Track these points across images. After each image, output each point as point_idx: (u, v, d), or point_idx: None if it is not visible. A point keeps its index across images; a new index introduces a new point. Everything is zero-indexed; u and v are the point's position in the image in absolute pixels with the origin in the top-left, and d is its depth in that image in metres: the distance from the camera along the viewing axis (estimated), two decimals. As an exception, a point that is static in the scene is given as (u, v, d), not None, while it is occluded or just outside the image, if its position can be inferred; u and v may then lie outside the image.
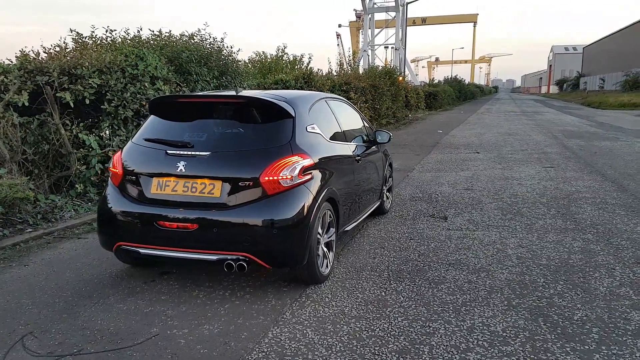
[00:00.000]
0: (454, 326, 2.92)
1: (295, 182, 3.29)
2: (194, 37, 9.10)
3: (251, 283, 3.65)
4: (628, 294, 3.32)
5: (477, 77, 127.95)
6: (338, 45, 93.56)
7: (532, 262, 3.99)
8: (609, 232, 4.72)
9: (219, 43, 9.44)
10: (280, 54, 16.25)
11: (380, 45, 67.03)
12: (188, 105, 3.88)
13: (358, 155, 4.54)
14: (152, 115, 3.84)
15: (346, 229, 4.27)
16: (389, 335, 2.83)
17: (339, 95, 16.03)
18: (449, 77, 59.66)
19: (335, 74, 19.90)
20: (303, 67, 16.17)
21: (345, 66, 21.57)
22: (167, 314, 3.15)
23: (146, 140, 3.57)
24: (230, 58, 9.68)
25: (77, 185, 5.96)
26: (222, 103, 3.84)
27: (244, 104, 3.79)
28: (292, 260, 3.35)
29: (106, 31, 8.05)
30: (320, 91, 14.02)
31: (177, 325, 2.99)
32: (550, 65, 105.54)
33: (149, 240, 3.34)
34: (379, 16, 64.54)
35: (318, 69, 17.20)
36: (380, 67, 26.11)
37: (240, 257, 3.17)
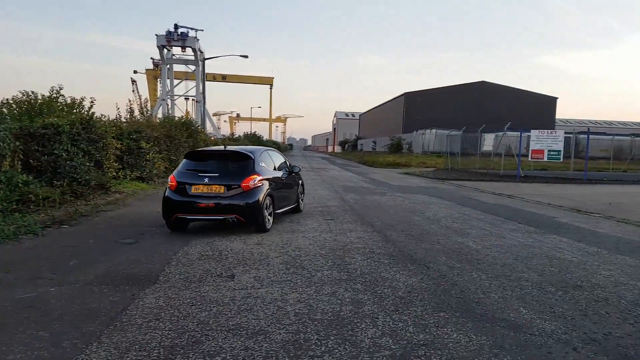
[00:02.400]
0: (225, 406, 2.65)
1: (255, 186, 7.59)
2: None
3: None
4: (388, 343, 3.59)
5: (274, 134, 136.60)
6: (133, 91, 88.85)
7: (308, 317, 4.06)
8: (374, 281, 5.20)
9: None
10: (55, 95, 14.17)
11: (181, 96, 66.28)
12: (204, 153, 8.43)
13: (283, 178, 9.08)
14: (185, 159, 8.12)
15: (278, 212, 8.61)
16: None
17: (129, 142, 14.96)
18: (249, 132, 62.22)
19: (124, 120, 18.49)
20: (84, 111, 14.46)
21: (136, 114, 20.33)
22: None
23: (186, 170, 7.75)
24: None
25: None
26: (221, 152, 8.32)
27: (231, 153, 8.26)
28: (254, 220, 7.56)
29: None
30: (103, 138, 12.86)
31: None
32: (335, 128, 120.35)
33: (191, 212, 7.37)
34: (178, 67, 64.07)
35: (102, 115, 15.64)
36: (177, 118, 25.48)
37: (234, 218, 7.38)
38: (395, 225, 8.97)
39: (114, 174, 13.82)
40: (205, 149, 9.19)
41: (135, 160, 15.59)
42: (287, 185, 9.29)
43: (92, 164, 12.01)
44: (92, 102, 14.85)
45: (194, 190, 7.39)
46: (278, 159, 9.47)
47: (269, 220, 7.96)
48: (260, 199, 7.58)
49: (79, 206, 9.94)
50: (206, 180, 7.39)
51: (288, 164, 9.90)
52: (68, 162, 10.88)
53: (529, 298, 4.71)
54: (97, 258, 6.08)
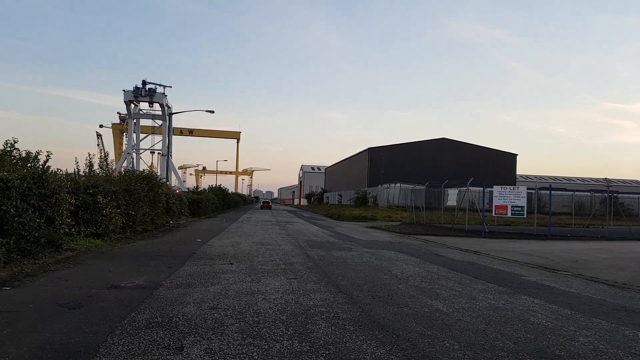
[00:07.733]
0: None
1: (271, 204, 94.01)
2: None
3: None
4: None
5: (241, 187, 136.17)
6: (98, 145, 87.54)
7: (264, 402, 3.56)
8: (339, 353, 4.72)
9: None
10: (9, 148, 13.48)
11: (147, 149, 65.58)
12: (264, 202, 75.33)
13: (271, 201, 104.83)
14: (261, 202, 79.23)
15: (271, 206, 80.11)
16: None
17: (85, 197, 14.33)
18: (214, 185, 61.55)
19: (83, 174, 17.84)
20: (39, 165, 13.79)
21: (95, 167, 19.64)
22: None
23: (262, 202, 77.00)
24: None
25: None
26: (267, 200, 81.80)
27: (268, 201, 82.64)
28: (269, 209, 74.48)
29: None
30: (56, 193, 12.18)
31: None
32: (301, 181, 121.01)
33: (265, 208, 70.52)
34: (145, 122, 63.75)
35: (58, 169, 15.01)
36: (138, 171, 24.80)
37: (268, 207, 72.48)
38: (362, 285, 8.57)
39: (67, 230, 13.01)
40: (265, 200, 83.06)
41: (90, 216, 14.88)
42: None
43: (42, 220, 11.28)
44: (48, 155, 14.20)
45: (265, 204, 70.78)
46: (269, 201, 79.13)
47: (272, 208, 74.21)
48: (271, 206, 74.96)
49: (26, 265, 9.24)
50: (265, 203, 71.89)
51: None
52: (16, 219, 10.12)
53: (505, 370, 4.36)
54: (34, 326, 5.44)
